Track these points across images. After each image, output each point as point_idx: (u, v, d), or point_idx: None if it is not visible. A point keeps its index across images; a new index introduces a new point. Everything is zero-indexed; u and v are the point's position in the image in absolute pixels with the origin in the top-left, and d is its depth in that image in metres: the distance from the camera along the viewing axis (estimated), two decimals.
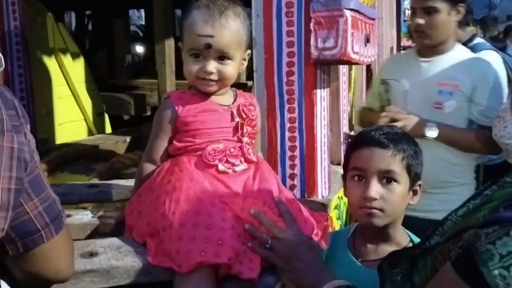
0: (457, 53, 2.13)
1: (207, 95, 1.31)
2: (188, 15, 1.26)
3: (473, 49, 2.37)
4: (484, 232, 0.72)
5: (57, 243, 0.97)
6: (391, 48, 4.13)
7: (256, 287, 1.16)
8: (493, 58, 2.31)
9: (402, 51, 4.56)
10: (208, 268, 1.11)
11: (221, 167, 1.26)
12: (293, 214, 1.21)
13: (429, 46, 2.10)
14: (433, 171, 1.84)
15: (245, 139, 1.32)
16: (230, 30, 1.24)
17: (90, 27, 8.61)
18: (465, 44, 2.35)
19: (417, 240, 1.29)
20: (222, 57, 1.26)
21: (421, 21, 2.03)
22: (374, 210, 1.21)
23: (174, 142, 1.31)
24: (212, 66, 1.25)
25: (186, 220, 1.15)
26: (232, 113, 1.31)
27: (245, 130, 1.32)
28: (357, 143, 1.26)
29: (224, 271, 1.12)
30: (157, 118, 1.34)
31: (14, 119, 0.86)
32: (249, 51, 1.35)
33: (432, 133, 2.02)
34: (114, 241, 1.27)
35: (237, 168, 1.28)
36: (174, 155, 1.32)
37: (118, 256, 1.20)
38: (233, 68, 1.28)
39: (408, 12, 8.64)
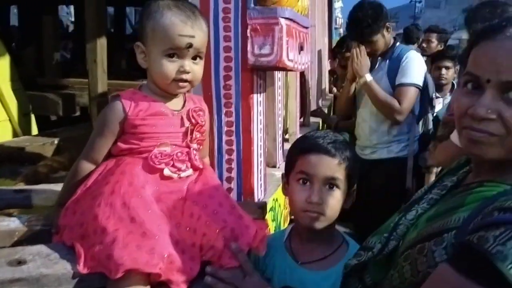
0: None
1: (159, 97, 1.30)
2: (158, 15, 1.23)
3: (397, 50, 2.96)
4: (491, 235, 0.77)
5: None
6: (319, 52, 4.31)
7: None
8: (412, 52, 2.90)
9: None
10: (141, 275, 1.10)
11: (166, 171, 1.25)
12: (251, 262, 1.22)
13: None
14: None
15: (194, 145, 1.31)
16: (203, 30, 1.28)
17: (17, 23, 8.14)
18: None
19: (349, 239, 1.35)
20: (195, 56, 1.27)
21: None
22: (317, 214, 1.26)
23: (119, 143, 1.28)
24: (188, 65, 1.26)
25: (121, 226, 1.13)
26: (182, 118, 1.30)
27: (194, 136, 1.31)
28: (306, 148, 1.30)
29: (153, 278, 1.11)
30: (103, 116, 1.30)
31: None
32: None
33: (368, 76, 2.75)
34: (43, 248, 1.23)
35: (182, 174, 1.28)
36: (117, 155, 1.29)
37: (48, 264, 1.17)
38: (202, 68, 1.31)
39: (339, 21, 8.97)
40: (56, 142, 3.04)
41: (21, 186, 2.00)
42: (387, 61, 2.82)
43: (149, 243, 1.11)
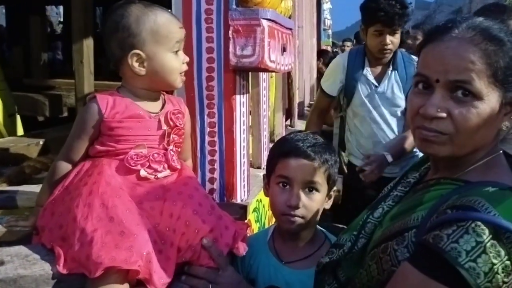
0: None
1: (138, 99, 1.30)
2: (151, 17, 1.25)
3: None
4: (445, 233, 0.81)
5: None
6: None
7: None
8: (416, 58, 2.78)
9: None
10: (119, 273, 1.10)
11: (143, 172, 1.25)
12: (225, 257, 1.23)
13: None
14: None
15: (171, 147, 1.32)
16: None
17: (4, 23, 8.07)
18: None
19: (331, 236, 1.36)
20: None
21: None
22: (296, 218, 1.27)
23: (96, 145, 1.28)
24: (184, 56, 1.33)
25: (99, 226, 1.13)
26: (159, 121, 1.30)
27: (171, 139, 1.31)
28: (285, 152, 1.31)
29: (132, 276, 1.12)
30: (80, 118, 1.30)
31: None
32: None
33: (389, 157, 2.39)
34: (22, 249, 1.22)
35: (159, 175, 1.28)
36: (94, 157, 1.29)
37: (26, 265, 1.16)
38: None
39: (328, 22, 9.03)
40: (41, 143, 3.01)
41: (4, 187, 1.98)
42: (396, 70, 2.56)
43: (128, 241, 1.11)
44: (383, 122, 2.56)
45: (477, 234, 0.79)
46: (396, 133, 2.58)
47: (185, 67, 1.33)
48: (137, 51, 1.25)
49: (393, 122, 2.57)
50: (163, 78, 1.29)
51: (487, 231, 0.79)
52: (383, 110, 2.55)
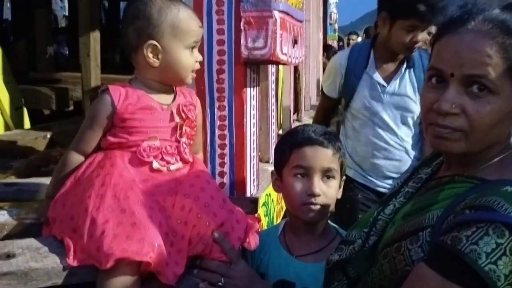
0: None
1: (150, 91, 1.30)
2: (174, 11, 1.25)
3: None
4: (464, 235, 0.79)
5: None
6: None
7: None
8: None
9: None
10: (131, 265, 1.09)
11: (155, 164, 1.24)
12: (237, 250, 1.22)
13: None
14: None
15: (183, 139, 1.31)
16: None
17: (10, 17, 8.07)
18: None
19: (341, 231, 1.35)
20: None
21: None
22: (318, 206, 1.27)
23: (108, 136, 1.27)
24: (199, 55, 1.33)
25: (111, 217, 1.12)
26: (172, 113, 1.30)
27: (184, 131, 1.31)
28: (299, 142, 1.30)
29: (144, 268, 1.11)
30: (93, 109, 1.30)
31: None
32: None
33: None
34: (33, 242, 1.21)
35: (172, 167, 1.27)
36: (106, 149, 1.28)
37: (38, 258, 1.15)
38: None
39: (334, 16, 8.99)
40: (48, 136, 3.02)
41: (12, 179, 1.98)
42: (411, 69, 2.21)
43: (139, 233, 1.10)
44: (388, 129, 2.20)
45: (497, 236, 0.77)
46: (404, 144, 2.22)
47: (197, 66, 1.33)
48: (154, 42, 1.25)
49: (401, 130, 2.21)
50: (175, 73, 1.29)
51: (507, 233, 0.77)
52: (390, 114, 2.19)
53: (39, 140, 2.92)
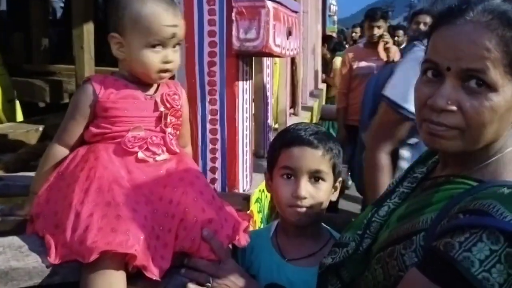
0: None
1: (131, 82, 1.26)
2: (138, 4, 1.19)
3: None
4: (457, 241, 0.75)
5: None
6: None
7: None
8: None
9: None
10: (115, 258, 1.06)
11: (140, 155, 1.22)
12: (226, 249, 1.19)
13: None
14: None
15: (169, 130, 1.27)
16: (181, 18, 1.26)
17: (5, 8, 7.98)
18: None
19: (335, 234, 1.31)
20: (175, 45, 1.24)
21: None
22: (304, 209, 1.22)
23: (91, 127, 1.24)
24: (171, 55, 1.23)
25: (95, 210, 1.09)
26: (156, 102, 1.26)
27: (169, 121, 1.27)
28: (287, 142, 1.26)
29: (129, 262, 1.07)
30: (74, 99, 1.27)
31: None
32: None
33: None
34: (15, 240, 1.18)
35: (158, 158, 1.24)
36: (89, 142, 1.25)
37: (19, 256, 1.12)
38: (179, 54, 1.28)
39: (333, 8, 8.90)
40: (40, 129, 2.96)
41: (0, 173, 1.94)
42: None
43: (124, 225, 1.07)
44: None
45: (492, 242, 0.73)
46: None
47: (167, 67, 1.24)
48: (115, 34, 1.22)
49: None
50: (138, 70, 1.25)
51: (502, 239, 0.72)
52: None
53: (31, 133, 2.86)
